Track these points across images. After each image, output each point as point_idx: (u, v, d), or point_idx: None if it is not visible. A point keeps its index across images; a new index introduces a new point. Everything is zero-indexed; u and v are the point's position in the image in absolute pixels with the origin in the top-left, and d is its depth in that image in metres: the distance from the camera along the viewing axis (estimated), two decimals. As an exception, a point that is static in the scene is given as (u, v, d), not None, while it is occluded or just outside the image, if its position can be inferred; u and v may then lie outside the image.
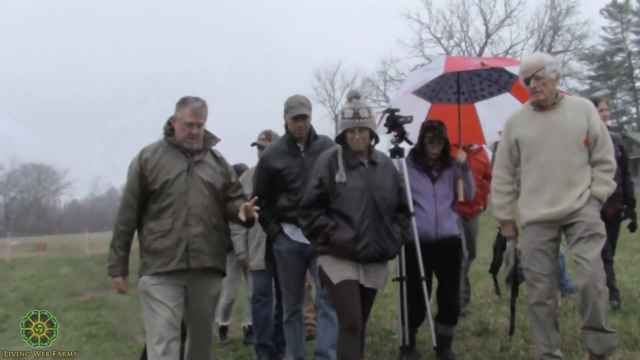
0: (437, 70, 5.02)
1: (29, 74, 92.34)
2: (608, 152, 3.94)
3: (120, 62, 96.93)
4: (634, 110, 53.44)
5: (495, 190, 4.21)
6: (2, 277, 16.01)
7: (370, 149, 3.88)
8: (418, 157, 4.73)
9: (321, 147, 4.39)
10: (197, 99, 3.81)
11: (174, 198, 3.71)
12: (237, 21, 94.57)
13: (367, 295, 3.88)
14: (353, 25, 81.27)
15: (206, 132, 3.89)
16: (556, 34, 42.86)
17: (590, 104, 4.05)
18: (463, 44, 42.79)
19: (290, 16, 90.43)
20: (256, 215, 3.79)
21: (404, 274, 4.48)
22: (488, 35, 42.77)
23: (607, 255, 5.02)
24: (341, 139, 3.86)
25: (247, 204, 3.78)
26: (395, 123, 4.71)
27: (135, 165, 3.77)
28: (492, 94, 5.55)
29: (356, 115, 3.76)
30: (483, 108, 5.57)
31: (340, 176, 3.74)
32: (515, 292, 4.59)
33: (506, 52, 41.16)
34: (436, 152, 4.73)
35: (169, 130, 3.86)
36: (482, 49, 41.96)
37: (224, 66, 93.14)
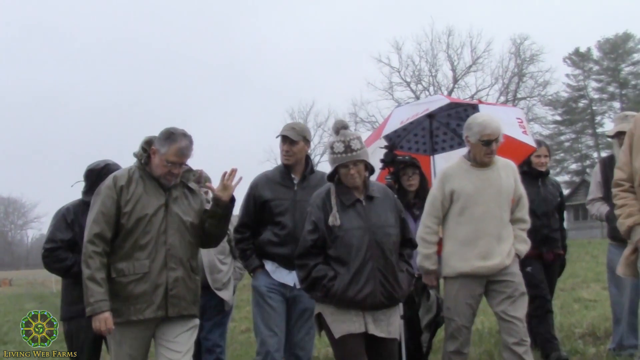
0: (439, 101, 5.07)
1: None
2: (527, 212, 4.32)
3: (91, 92, 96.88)
4: (595, 155, 55.17)
5: (423, 239, 4.20)
6: (-34, 311, 15.96)
7: (365, 183, 3.53)
8: (398, 195, 4.25)
9: (318, 183, 4.04)
10: (184, 136, 3.41)
11: (151, 236, 3.32)
12: (212, 57, 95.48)
13: (384, 346, 3.46)
14: (326, 65, 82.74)
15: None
16: (521, 81, 44.41)
17: (515, 165, 4.36)
18: (431, 89, 43.96)
19: (266, 54, 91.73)
20: (233, 188, 3.49)
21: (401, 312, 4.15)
22: (455, 81, 44.11)
23: (548, 306, 5.23)
24: (332, 176, 3.52)
25: (222, 181, 3.48)
26: (393, 160, 4.56)
27: (110, 192, 3.34)
28: (452, 147, 5.48)
29: (348, 148, 3.40)
30: (440, 162, 5.52)
31: (334, 219, 3.38)
32: (431, 338, 4.74)
33: (472, 97, 42.43)
34: (413, 183, 4.64)
35: (146, 158, 3.47)
36: (450, 93, 43.20)
37: (199, 101, 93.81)
